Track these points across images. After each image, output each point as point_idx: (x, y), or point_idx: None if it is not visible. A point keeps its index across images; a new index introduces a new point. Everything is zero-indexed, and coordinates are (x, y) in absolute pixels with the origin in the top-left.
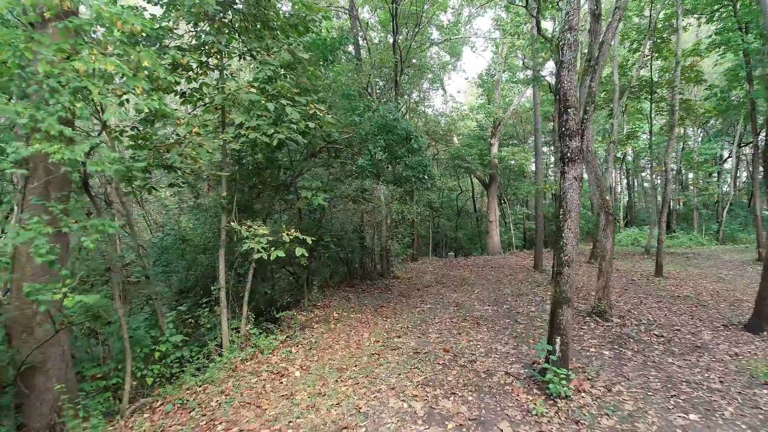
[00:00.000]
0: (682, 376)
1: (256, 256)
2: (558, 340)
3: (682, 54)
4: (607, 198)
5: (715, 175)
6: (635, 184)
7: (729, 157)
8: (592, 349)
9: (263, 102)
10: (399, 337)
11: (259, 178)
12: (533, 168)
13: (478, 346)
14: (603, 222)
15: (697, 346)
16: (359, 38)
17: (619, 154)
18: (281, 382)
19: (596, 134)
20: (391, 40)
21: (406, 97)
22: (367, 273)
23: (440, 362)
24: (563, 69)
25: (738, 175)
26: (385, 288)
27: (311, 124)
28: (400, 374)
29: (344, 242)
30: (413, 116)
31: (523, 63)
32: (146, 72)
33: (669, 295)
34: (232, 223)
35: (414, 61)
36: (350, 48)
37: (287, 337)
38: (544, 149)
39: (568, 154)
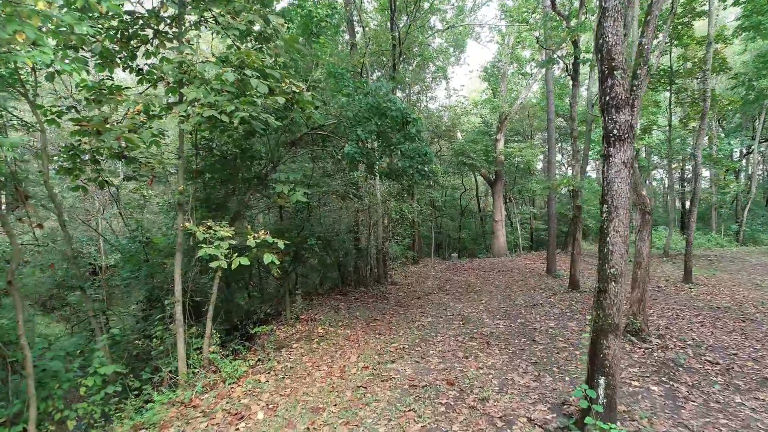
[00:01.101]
0: (763, 426)
1: (214, 264)
2: (603, 381)
3: (704, 40)
4: (643, 193)
5: (732, 172)
6: (645, 182)
7: (749, 153)
8: (635, 383)
9: (220, 72)
10: (393, 361)
11: (228, 170)
12: (540, 165)
13: (490, 377)
14: (638, 222)
15: (766, 377)
16: (354, 21)
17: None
18: (237, 430)
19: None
20: (389, 26)
21: (407, 90)
22: (361, 278)
23: (443, 401)
24: (607, 18)
25: (752, 172)
26: (380, 296)
27: (281, 99)
28: (390, 420)
29: (335, 244)
30: (414, 111)
31: (537, 41)
32: (40, 18)
33: (706, 306)
34: (186, 224)
35: (415, 49)
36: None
37: (259, 360)
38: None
39: (615, 131)
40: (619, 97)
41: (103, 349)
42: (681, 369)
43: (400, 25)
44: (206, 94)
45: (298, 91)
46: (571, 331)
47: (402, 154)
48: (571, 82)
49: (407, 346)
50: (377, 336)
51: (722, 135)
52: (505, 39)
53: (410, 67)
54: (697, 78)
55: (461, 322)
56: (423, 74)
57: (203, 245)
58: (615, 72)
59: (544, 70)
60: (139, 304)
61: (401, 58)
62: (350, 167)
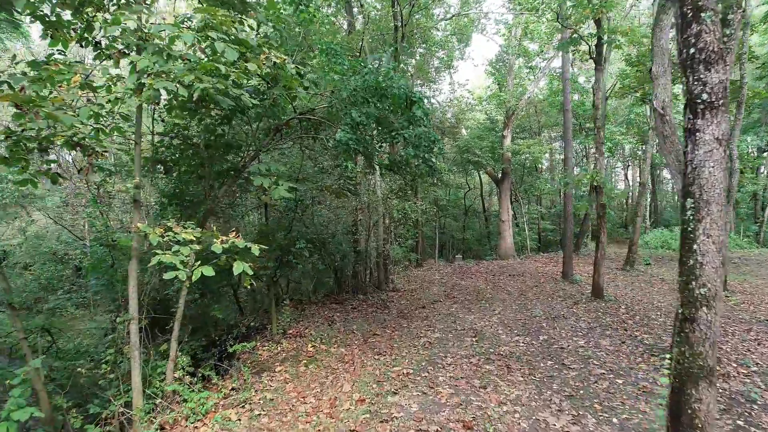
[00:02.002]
0: None
1: (168, 275)
2: None
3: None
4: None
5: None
6: (656, 180)
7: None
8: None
9: (178, 34)
10: (395, 392)
11: (197, 160)
12: (545, 164)
13: (517, 416)
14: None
15: None
16: (352, 2)
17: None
18: None
19: (619, 125)
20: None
21: (410, 81)
22: (360, 284)
23: None
24: None
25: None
26: (381, 305)
27: (252, 66)
28: None
29: (331, 247)
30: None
31: (558, 19)
32: None
33: (753, 319)
34: (139, 224)
35: (418, 35)
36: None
37: (233, 389)
38: (557, 144)
39: (705, 96)
40: (710, 48)
41: (35, 380)
42: (756, 407)
43: (404, 8)
44: (162, 62)
45: (279, 62)
46: (605, 352)
47: (405, 140)
48: (594, 66)
49: (412, 371)
50: (376, 356)
51: (742, 130)
52: (512, 31)
53: (413, 60)
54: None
55: (474, 339)
56: (427, 67)
57: (158, 251)
58: (702, 14)
59: (554, 61)
60: (110, 315)
61: (403, 42)
62: (345, 157)
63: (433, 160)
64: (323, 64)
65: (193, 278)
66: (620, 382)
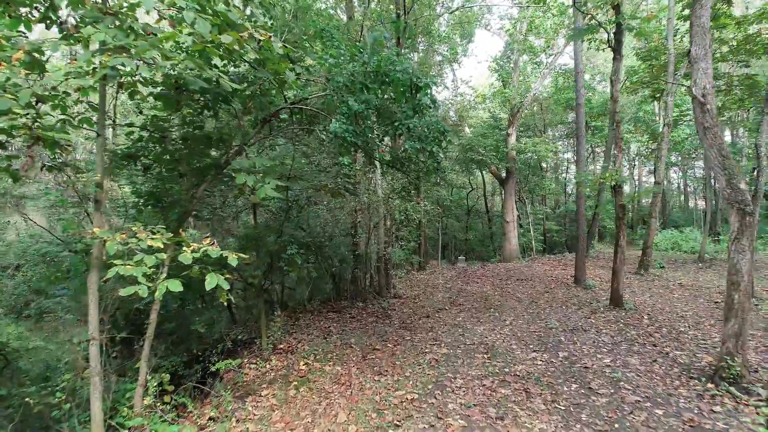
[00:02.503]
0: None
1: (124, 291)
2: None
3: (745, 20)
4: (742, 186)
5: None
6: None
7: None
8: None
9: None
10: (398, 425)
11: (172, 155)
12: (549, 163)
13: None
14: (735, 226)
15: None
16: None
17: (653, 146)
18: None
19: (627, 122)
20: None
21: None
22: (360, 290)
23: None
24: None
25: None
26: (382, 314)
27: (226, 38)
28: None
29: (328, 251)
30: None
31: (573, 4)
32: None
33: None
34: (96, 228)
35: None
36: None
37: (211, 419)
38: (560, 143)
39: None
40: None
41: None
42: None
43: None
44: (122, 35)
45: (263, 38)
46: (636, 373)
47: (409, 132)
48: (612, 56)
49: (417, 396)
50: (377, 377)
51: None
52: (517, 26)
53: (415, 55)
54: (738, 61)
55: (486, 356)
56: (429, 61)
57: (116, 261)
58: None
59: (559, 58)
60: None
61: (405, 31)
62: (341, 151)
63: (441, 154)
64: (317, 50)
65: (157, 294)
66: (660, 413)
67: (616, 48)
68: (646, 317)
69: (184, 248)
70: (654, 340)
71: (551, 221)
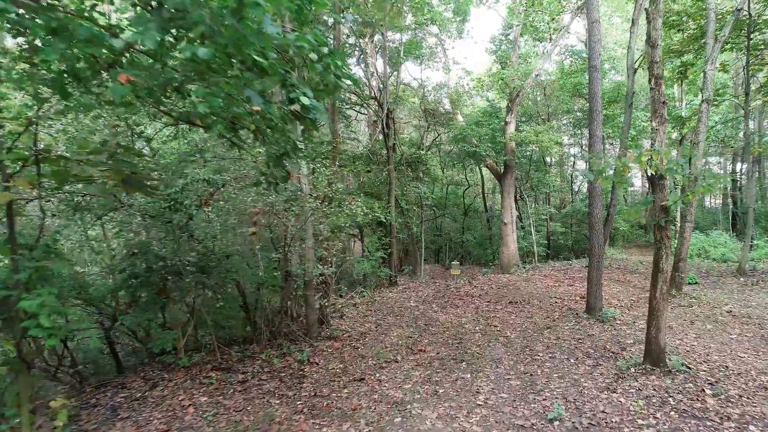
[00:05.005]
0: None
1: None
2: None
3: None
4: None
5: None
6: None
7: None
8: None
9: None
10: None
11: None
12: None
13: None
14: None
15: None
16: None
17: (675, 135)
18: None
19: (643, 110)
20: None
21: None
22: (278, 330)
23: None
24: None
25: None
26: (293, 374)
27: None
28: None
29: (219, 274)
30: (405, 91)
31: None
32: None
33: None
34: None
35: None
36: None
37: None
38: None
39: None
40: None
41: None
42: None
43: None
44: None
45: None
46: None
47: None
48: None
49: None
50: None
51: None
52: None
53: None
54: None
55: None
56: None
57: None
58: None
59: (561, 39)
60: None
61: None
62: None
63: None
64: None
65: None
66: None
67: None
68: (707, 388)
69: None
70: None
71: (556, 222)
